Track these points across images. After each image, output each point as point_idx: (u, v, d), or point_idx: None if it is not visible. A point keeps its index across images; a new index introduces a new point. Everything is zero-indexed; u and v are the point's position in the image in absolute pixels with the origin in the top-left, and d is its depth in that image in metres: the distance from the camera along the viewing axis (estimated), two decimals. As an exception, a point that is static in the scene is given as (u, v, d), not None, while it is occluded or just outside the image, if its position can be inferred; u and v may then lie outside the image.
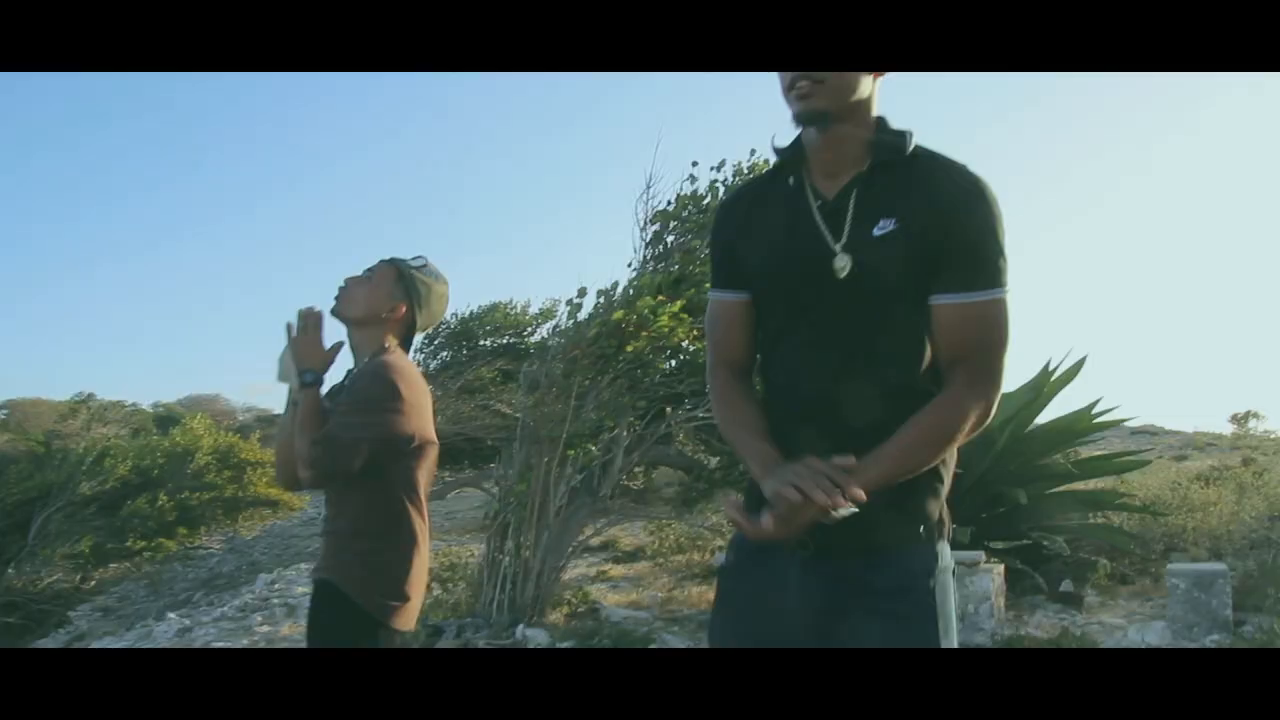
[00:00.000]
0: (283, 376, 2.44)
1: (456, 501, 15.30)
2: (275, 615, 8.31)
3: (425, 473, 2.46)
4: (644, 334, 6.49)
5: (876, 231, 1.56)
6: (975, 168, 1.59)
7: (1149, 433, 16.95)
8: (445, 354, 12.07)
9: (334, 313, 2.51)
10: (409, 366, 2.47)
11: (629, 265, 6.83)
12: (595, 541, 9.85)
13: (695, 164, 7.19)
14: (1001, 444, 7.02)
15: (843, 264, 1.56)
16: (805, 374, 1.63)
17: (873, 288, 1.56)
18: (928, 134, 1.59)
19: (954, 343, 1.56)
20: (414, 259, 2.57)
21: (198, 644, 7.61)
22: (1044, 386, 7.12)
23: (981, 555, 5.97)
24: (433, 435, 2.47)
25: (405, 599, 2.37)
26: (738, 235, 1.72)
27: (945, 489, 1.65)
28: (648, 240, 6.91)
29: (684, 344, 6.74)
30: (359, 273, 2.54)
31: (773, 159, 1.70)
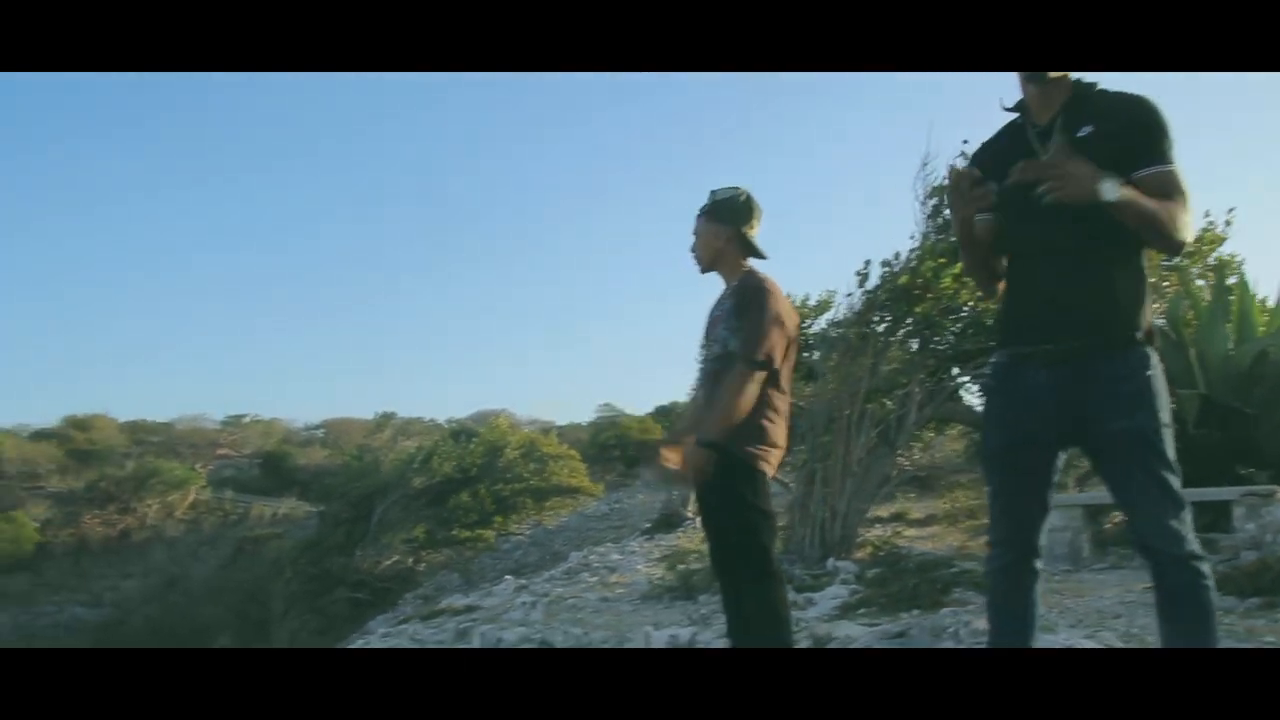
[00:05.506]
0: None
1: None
2: (601, 573, 9.43)
3: (790, 357, 3.23)
4: (929, 296, 7.03)
5: (1079, 134, 2.15)
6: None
7: None
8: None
9: (702, 271, 3.35)
10: (768, 280, 3.23)
11: (910, 237, 7.37)
12: (887, 514, 10.37)
13: (966, 142, 7.64)
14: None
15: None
16: (1040, 242, 2.20)
17: None
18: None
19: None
20: (710, 195, 3.32)
21: (533, 598, 8.81)
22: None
23: (1277, 488, 6.04)
24: (794, 326, 3.24)
25: (773, 447, 3.14)
26: (983, 168, 2.32)
27: (1149, 309, 2.20)
28: (928, 214, 7.42)
29: (968, 304, 7.20)
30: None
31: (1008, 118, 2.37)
